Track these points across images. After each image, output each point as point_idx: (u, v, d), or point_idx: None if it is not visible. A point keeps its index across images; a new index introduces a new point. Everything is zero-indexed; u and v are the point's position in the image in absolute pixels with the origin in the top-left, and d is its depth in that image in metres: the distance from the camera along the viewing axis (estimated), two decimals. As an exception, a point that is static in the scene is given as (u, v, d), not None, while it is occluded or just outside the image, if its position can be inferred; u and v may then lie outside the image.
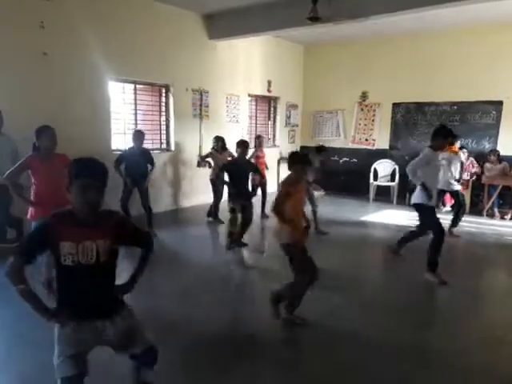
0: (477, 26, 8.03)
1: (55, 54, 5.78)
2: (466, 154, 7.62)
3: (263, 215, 7.29)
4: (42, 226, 1.86)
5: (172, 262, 4.95)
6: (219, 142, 6.87)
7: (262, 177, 6.47)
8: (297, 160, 3.31)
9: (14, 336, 3.21)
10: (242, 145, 5.56)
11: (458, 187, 6.35)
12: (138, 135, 5.88)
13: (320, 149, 6.68)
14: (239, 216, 5.43)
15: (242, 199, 5.35)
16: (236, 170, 5.43)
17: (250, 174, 5.85)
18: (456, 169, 6.43)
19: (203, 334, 3.24)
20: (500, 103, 8.12)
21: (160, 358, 2.03)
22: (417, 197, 4.52)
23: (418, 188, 4.49)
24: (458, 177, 6.44)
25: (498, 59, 8.04)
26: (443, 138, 4.49)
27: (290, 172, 3.33)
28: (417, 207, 4.58)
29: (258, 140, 7.58)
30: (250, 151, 6.83)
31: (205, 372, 2.76)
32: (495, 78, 8.08)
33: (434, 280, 4.39)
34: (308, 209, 6.58)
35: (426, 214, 4.51)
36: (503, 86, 8.00)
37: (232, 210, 5.40)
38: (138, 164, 5.78)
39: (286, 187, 3.23)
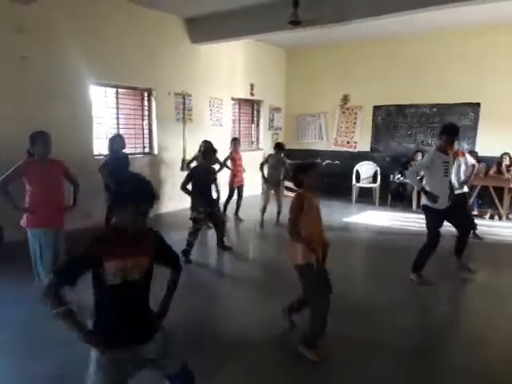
0: (457, 30, 8.22)
1: (35, 58, 5.72)
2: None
3: (237, 218, 7.40)
4: (88, 245, 1.74)
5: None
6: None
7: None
8: (303, 168, 3.01)
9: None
10: (209, 149, 5.57)
11: (464, 190, 5.80)
12: (120, 140, 5.84)
13: (278, 145, 7.03)
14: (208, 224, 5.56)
15: (207, 206, 5.16)
16: (200, 176, 5.18)
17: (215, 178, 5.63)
18: (462, 171, 5.88)
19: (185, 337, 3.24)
20: (477, 105, 8.32)
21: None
22: (422, 198, 4.49)
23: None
24: (463, 178, 5.82)
25: (475, 62, 8.23)
26: (447, 135, 4.26)
27: (297, 186, 3.04)
28: (423, 208, 4.50)
29: (234, 142, 7.51)
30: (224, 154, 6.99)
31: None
32: (473, 81, 8.27)
33: (416, 280, 4.43)
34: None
35: (428, 216, 4.43)
36: (480, 89, 8.19)
37: (194, 221, 5.14)
38: (122, 169, 5.68)
39: (298, 200, 2.91)
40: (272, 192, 6.98)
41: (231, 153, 7.38)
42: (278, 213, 6.99)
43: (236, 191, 7.32)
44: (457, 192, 5.14)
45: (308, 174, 2.95)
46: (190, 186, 5.10)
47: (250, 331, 3.40)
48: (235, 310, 3.90)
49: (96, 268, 1.72)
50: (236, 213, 7.42)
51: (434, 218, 4.38)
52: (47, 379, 2.71)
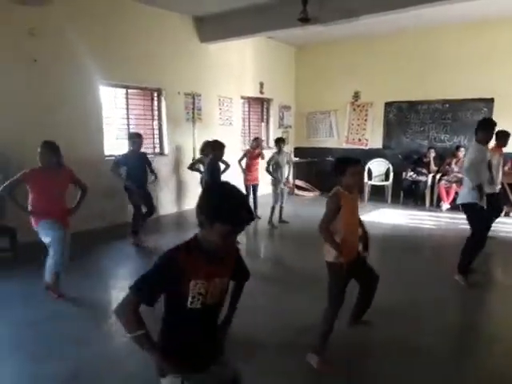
0: (469, 24, 8.08)
1: (45, 61, 5.75)
2: None
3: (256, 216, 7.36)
4: (170, 260, 1.50)
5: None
6: (208, 146, 6.86)
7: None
8: (341, 165, 2.77)
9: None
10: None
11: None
12: (138, 138, 5.79)
13: (279, 140, 7.00)
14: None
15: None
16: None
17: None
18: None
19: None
20: (491, 100, 8.17)
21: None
22: (466, 196, 4.28)
23: (468, 187, 4.23)
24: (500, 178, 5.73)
25: (488, 57, 8.09)
26: (490, 128, 4.21)
27: (338, 181, 2.79)
28: (466, 207, 4.32)
29: (257, 141, 7.61)
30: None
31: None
32: (486, 76, 8.12)
33: (462, 282, 4.26)
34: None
35: (475, 214, 4.25)
36: (494, 84, 8.04)
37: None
38: (139, 168, 5.70)
39: (334, 200, 2.72)
40: (278, 191, 6.88)
41: (249, 150, 7.46)
42: (281, 208, 7.02)
43: (251, 190, 7.34)
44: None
45: (347, 172, 2.71)
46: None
47: (258, 330, 3.36)
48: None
49: (182, 286, 1.50)
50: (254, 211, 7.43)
51: (481, 215, 4.24)
52: (59, 379, 2.71)
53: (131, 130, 7.08)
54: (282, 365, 2.86)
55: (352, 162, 2.76)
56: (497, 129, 4.43)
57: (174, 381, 1.56)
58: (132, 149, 5.73)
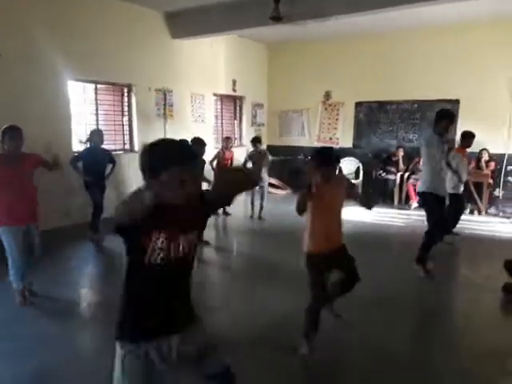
0: (437, 28, 8.28)
1: (9, 54, 5.55)
2: None
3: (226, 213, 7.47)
4: (138, 194, 1.37)
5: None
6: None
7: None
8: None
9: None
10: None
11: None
12: (98, 133, 5.77)
13: (256, 139, 7.19)
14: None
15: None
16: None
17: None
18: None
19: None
20: (457, 102, 8.42)
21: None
22: (421, 185, 4.56)
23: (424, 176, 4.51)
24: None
25: (455, 59, 8.32)
26: (448, 119, 4.37)
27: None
28: (421, 196, 4.60)
29: (227, 141, 7.61)
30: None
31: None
32: (453, 78, 8.35)
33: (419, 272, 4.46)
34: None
35: (428, 203, 4.51)
36: (460, 86, 8.28)
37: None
38: (97, 163, 5.62)
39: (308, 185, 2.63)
40: (257, 188, 6.88)
41: (220, 151, 7.39)
42: (261, 207, 7.09)
43: None
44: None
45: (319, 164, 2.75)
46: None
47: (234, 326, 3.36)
48: (221, 300, 3.87)
49: (134, 240, 1.45)
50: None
51: (434, 205, 4.44)
52: (28, 380, 2.66)
53: (100, 126, 6.94)
54: (257, 361, 2.87)
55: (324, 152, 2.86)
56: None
57: (122, 352, 1.51)
58: (93, 144, 5.68)
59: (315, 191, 2.57)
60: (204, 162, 6.25)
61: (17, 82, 5.66)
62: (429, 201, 4.48)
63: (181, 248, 1.52)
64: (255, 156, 6.97)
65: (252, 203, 7.17)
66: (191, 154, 1.52)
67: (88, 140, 5.78)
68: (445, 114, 4.43)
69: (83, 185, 5.65)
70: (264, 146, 10.43)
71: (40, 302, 3.78)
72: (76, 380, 2.69)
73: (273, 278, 4.48)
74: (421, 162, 4.90)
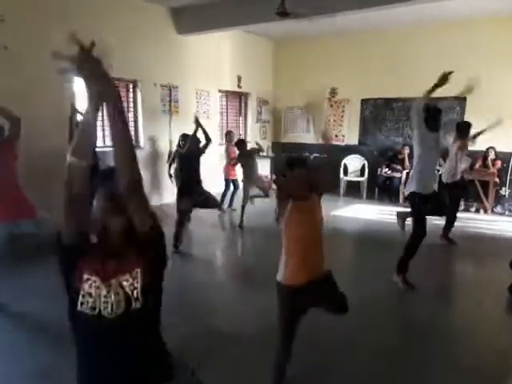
0: (443, 24, 8.20)
1: (17, 48, 5.56)
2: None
3: (231, 209, 7.57)
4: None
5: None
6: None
7: None
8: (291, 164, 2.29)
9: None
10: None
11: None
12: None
13: (240, 142, 6.96)
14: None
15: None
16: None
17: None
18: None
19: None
20: (464, 99, 8.34)
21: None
22: (408, 185, 4.40)
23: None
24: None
25: (462, 56, 8.23)
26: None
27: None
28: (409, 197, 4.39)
29: (229, 135, 7.73)
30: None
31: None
32: (460, 75, 8.22)
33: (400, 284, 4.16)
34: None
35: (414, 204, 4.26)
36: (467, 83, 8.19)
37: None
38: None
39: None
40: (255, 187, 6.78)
41: (228, 146, 7.53)
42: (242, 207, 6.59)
43: (232, 184, 7.62)
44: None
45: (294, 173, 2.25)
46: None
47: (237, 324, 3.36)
48: (223, 301, 3.87)
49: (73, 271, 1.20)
50: (230, 205, 7.61)
51: (418, 206, 4.24)
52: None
53: (105, 122, 6.95)
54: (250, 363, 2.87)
55: (296, 162, 2.30)
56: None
57: None
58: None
59: (290, 218, 2.22)
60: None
61: (22, 76, 5.65)
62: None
63: (118, 299, 1.20)
64: (242, 158, 6.66)
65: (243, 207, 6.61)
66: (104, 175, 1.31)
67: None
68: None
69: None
70: (267, 143, 10.52)
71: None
72: None
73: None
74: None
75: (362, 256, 5.47)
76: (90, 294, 1.17)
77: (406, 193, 4.46)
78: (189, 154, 5.38)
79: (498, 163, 7.83)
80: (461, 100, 8.35)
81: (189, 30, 7.85)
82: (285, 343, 2.29)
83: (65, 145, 6.14)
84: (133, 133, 7.59)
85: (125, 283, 1.20)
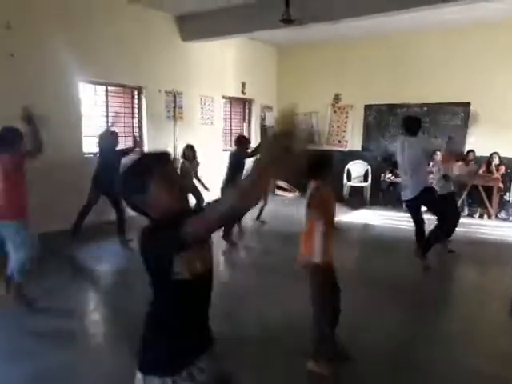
0: (447, 30, 8.25)
1: (22, 56, 5.63)
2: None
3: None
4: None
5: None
6: (190, 150, 6.83)
7: None
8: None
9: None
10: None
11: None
12: (110, 136, 5.73)
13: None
14: None
15: None
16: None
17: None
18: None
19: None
20: (468, 105, 8.36)
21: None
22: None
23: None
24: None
25: (466, 62, 8.27)
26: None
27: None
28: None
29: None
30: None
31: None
32: (463, 81, 8.30)
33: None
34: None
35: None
36: (471, 89, 8.22)
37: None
38: (107, 170, 5.29)
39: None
40: None
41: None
42: (261, 209, 7.02)
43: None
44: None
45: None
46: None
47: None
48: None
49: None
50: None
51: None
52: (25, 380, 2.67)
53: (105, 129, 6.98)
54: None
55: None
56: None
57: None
58: (102, 147, 5.67)
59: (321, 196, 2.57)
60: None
61: (28, 83, 5.72)
62: None
63: (208, 257, 1.44)
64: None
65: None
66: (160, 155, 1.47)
67: (98, 143, 5.77)
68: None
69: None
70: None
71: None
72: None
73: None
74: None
75: (368, 260, 5.47)
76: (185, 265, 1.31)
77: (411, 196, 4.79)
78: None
79: (502, 168, 7.82)
80: (464, 106, 8.37)
81: (193, 37, 7.93)
82: (330, 325, 2.61)
83: (72, 151, 6.21)
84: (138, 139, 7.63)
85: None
